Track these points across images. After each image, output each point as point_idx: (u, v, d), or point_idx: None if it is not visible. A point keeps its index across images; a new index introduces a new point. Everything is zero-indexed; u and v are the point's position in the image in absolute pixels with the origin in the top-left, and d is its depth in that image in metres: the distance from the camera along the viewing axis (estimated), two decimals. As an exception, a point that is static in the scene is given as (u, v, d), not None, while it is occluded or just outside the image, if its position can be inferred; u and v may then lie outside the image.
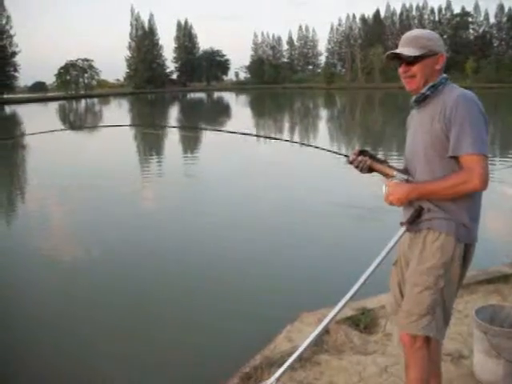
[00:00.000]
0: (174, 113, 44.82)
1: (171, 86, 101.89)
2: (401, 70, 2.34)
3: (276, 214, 8.75)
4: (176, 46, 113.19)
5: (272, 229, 7.79)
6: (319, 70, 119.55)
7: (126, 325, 4.75)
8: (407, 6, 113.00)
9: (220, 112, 44.36)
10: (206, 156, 17.00)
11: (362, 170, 2.52)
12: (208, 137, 21.92)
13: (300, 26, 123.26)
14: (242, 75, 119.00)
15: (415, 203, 2.32)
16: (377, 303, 4.19)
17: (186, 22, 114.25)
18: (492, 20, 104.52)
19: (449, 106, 2.19)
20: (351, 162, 2.53)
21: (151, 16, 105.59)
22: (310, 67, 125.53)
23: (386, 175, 2.45)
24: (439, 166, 2.24)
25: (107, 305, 5.17)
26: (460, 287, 2.44)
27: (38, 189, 11.69)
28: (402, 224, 2.36)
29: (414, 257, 2.34)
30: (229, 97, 74.31)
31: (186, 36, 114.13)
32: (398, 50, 2.31)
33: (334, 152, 3.01)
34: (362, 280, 2.35)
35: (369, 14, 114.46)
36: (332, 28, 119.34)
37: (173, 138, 23.14)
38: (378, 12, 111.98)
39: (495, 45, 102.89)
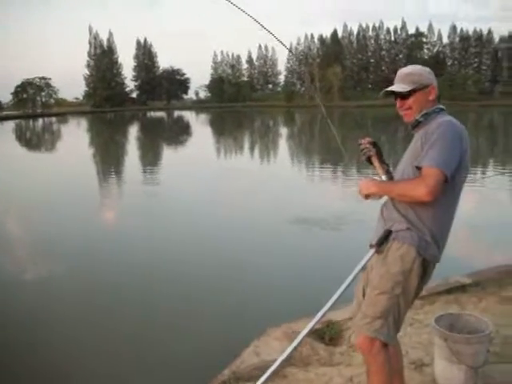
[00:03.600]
0: (133, 132, 44.44)
1: (131, 104, 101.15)
2: (398, 104, 2.54)
3: (237, 231, 8.81)
4: (135, 64, 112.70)
5: (235, 245, 7.82)
6: (279, 89, 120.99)
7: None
8: (364, 26, 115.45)
9: (180, 131, 44.24)
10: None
11: (363, 156, 2.71)
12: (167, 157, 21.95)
13: (260, 45, 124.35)
14: (203, 94, 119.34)
15: (382, 222, 2.49)
16: (341, 316, 4.26)
17: (145, 40, 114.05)
18: (445, 40, 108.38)
19: (431, 128, 2.37)
20: (360, 144, 2.72)
21: (110, 34, 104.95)
22: (270, 86, 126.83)
23: (376, 169, 2.64)
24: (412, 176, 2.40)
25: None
26: (414, 300, 2.55)
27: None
28: (371, 246, 2.48)
29: (378, 263, 2.46)
30: (189, 116, 74.29)
31: (145, 54, 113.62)
32: (391, 88, 2.53)
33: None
34: (334, 297, 2.46)
35: (327, 33, 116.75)
36: (291, 47, 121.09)
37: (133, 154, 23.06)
38: (335, 32, 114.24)
39: (449, 64, 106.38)
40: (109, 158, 22.75)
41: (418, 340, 3.74)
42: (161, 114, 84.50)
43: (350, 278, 2.45)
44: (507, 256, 5.93)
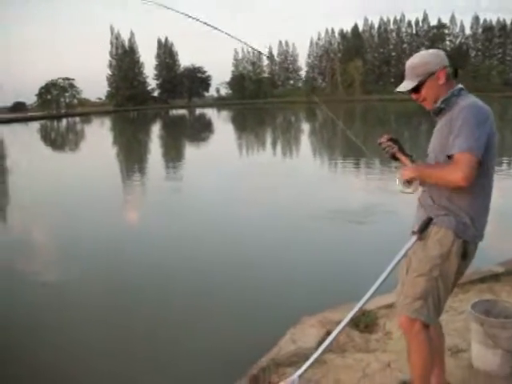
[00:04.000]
0: (156, 130, 44.81)
1: (153, 103, 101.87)
2: (413, 98, 2.62)
3: (269, 221, 8.92)
4: (157, 63, 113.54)
5: (260, 241, 7.94)
6: (300, 85, 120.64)
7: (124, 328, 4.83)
8: (385, 19, 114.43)
9: (202, 128, 44.49)
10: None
11: (387, 154, 2.81)
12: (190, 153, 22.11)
13: (280, 41, 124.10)
14: (224, 91, 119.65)
15: (422, 210, 2.57)
16: (375, 304, 4.34)
17: (166, 40, 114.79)
18: (468, 31, 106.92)
19: (455, 114, 2.42)
20: (380, 144, 2.82)
21: (132, 34, 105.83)
22: (291, 82, 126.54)
23: (403, 163, 2.73)
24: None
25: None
26: (457, 282, 2.63)
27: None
28: (413, 233, 2.55)
29: (418, 248, 2.54)
30: (211, 113, 74.53)
31: (166, 53, 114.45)
32: (398, 89, 2.63)
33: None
34: (376, 285, 2.58)
35: (347, 28, 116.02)
36: (312, 43, 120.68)
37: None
38: (356, 26, 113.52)
39: (472, 55, 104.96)
40: (132, 157, 22.98)
41: (453, 327, 3.80)
42: (183, 111, 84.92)
43: (392, 265, 2.54)
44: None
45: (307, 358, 3.51)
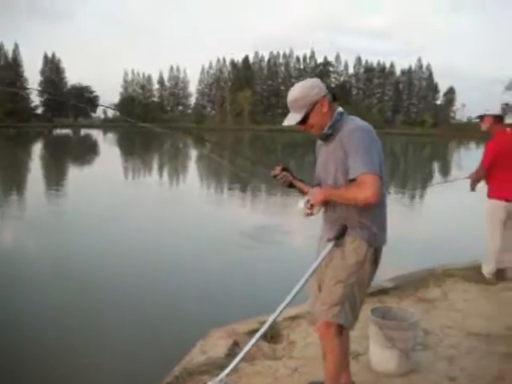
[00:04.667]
0: (37, 150, 42.14)
1: (36, 121, 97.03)
2: (301, 128, 2.80)
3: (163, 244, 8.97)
4: (42, 79, 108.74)
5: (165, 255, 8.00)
6: (189, 111, 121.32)
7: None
8: (274, 53, 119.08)
9: (87, 150, 42.77)
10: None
11: (283, 184, 3.01)
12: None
13: (171, 67, 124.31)
14: (111, 112, 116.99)
15: (334, 223, 2.77)
16: (280, 316, 4.57)
17: (53, 55, 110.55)
18: (351, 70, 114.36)
19: (345, 137, 2.65)
20: (275, 176, 3.01)
21: (16, 46, 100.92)
22: (181, 108, 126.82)
23: (303, 192, 2.95)
24: (344, 184, 2.68)
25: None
26: (369, 286, 2.91)
27: None
28: (329, 240, 2.77)
29: (335, 257, 2.77)
30: (96, 134, 72.33)
31: (52, 70, 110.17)
32: (285, 123, 2.79)
33: (263, 165, 3.37)
34: (296, 290, 2.72)
35: (238, 59, 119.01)
36: (203, 70, 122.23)
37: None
38: (247, 57, 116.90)
39: (354, 93, 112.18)
40: (10, 177, 21.10)
41: (352, 334, 4.11)
42: (67, 131, 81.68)
43: (309, 273, 2.74)
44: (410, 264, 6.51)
45: (218, 367, 3.71)
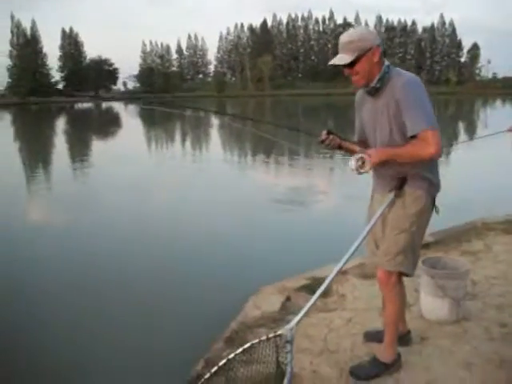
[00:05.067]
0: (61, 125, 42.46)
1: (58, 96, 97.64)
2: (345, 72, 2.71)
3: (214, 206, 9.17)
4: (61, 54, 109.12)
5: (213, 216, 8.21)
6: (209, 79, 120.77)
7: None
8: (293, 16, 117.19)
9: (110, 123, 42.79)
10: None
11: (331, 148, 3.00)
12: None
13: (189, 35, 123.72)
14: (131, 84, 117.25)
15: (391, 177, 2.80)
16: (326, 273, 4.70)
17: (71, 30, 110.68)
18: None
19: (398, 91, 2.61)
20: (323, 141, 2.98)
21: (33, 23, 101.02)
22: (200, 76, 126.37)
23: (351, 151, 2.95)
24: (400, 139, 2.69)
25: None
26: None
27: None
28: (390, 191, 2.81)
29: (395, 208, 2.82)
30: (118, 107, 72.36)
31: (71, 44, 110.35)
32: (334, 61, 2.66)
33: (307, 133, 3.45)
34: (357, 243, 2.69)
35: (256, 23, 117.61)
36: (221, 37, 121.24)
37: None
38: (265, 22, 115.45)
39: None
40: (36, 152, 21.36)
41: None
42: (89, 105, 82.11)
43: (372, 223, 2.76)
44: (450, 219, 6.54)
45: (274, 321, 3.87)
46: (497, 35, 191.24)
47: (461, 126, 28.59)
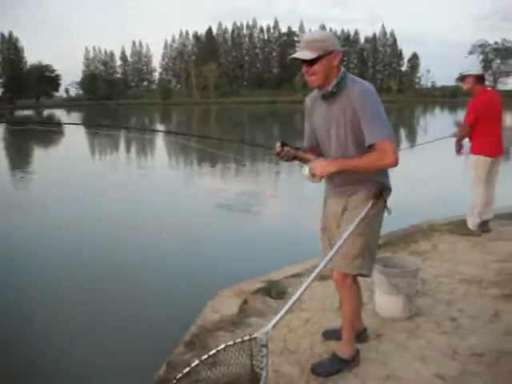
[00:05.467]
0: None
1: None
2: (304, 69, 2.71)
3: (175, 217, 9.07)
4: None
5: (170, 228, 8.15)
6: (154, 86, 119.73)
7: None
8: (238, 24, 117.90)
9: (52, 130, 41.25)
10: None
11: (286, 160, 2.99)
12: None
13: (133, 42, 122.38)
14: (74, 91, 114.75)
15: (346, 182, 2.87)
16: (283, 275, 4.81)
17: (10, 35, 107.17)
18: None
19: (355, 99, 2.67)
20: (278, 154, 2.96)
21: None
22: (145, 83, 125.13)
23: (306, 160, 2.94)
24: (356, 147, 2.77)
25: None
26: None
27: None
28: (368, 198, 2.87)
29: (350, 212, 2.90)
30: (60, 114, 70.52)
31: (10, 49, 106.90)
32: (296, 55, 2.67)
33: (261, 146, 3.50)
34: (337, 246, 2.73)
35: (201, 31, 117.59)
36: (166, 44, 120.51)
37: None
38: (210, 30, 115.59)
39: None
40: None
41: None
42: (29, 112, 79.54)
43: (352, 227, 2.77)
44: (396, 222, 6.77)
45: (233, 324, 3.91)
46: (436, 45, 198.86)
47: (403, 132, 29.46)
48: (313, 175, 2.80)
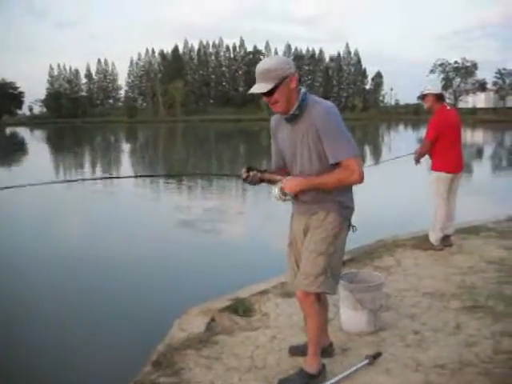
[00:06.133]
0: None
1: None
2: (265, 99, 2.80)
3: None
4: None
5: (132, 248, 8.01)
6: (120, 104, 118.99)
7: None
8: (204, 42, 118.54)
9: (15, 148, 40.30)
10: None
11: (254, 184, 3.02)
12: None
13: (99, 60, 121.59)
14: (38, 109, 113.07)
15: (309, 201, 2.94)
16: (249, 292, 4.82)
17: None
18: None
19: (318, 119, 2.76)
20: (245, 179, 3.00)
21: None
22: (111, 101, 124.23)
23: (274, 181, 2.99)
24: (320, 166, 2.85)
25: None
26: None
27: None
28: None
29: (311, 232, 2.97)
30: (23, 132, 69.20)
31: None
32: (253, 90, 2.75)
33: (227, 175, 3.55)
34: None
35: (168, 49, 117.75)
36: (132, 62, 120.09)
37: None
38: (176, 48, 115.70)
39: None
40: None
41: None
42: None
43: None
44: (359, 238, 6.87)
45: (200, 342, 3.90)
46: (398, 64, 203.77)
47: (368, 149, 29.98)
48: (284, 194, 2.90)
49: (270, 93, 2.74)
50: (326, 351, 3.40)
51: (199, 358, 3.57)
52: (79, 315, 5.32)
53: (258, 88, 2.72)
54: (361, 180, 2.76)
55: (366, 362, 3.25)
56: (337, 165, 2.77)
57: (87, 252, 7.86)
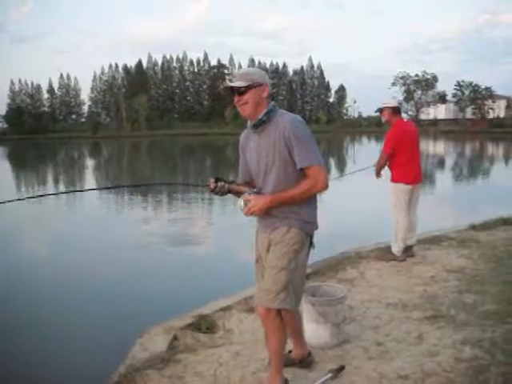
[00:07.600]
0: None
1: None
2: (236, 99, 2.88)
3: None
4: None
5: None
6: (83, 119, 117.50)
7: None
8: (168, 57, 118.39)
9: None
10: None
11: (221, 194, 3.05)
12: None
13: (61, 74, 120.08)
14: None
15: (271, 216, 2.94)
16: (212, 309, 4.76)
17: None
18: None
19: (286, 129, 2.82)
20: (213, 190, 3.02)
21: None
22: (74, 116, 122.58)
23: (240, 192, 3.00)
24: (287, 176, 2.88)
25: None
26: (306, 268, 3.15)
27: None
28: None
29: (273, 247, 2.96)
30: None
31: None
32: (228, 83, 2.92)
33: (195, 185, 3.52)
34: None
35: (131, 64, 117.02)
36: (95, 77, 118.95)
37: None
38: (140, 62, 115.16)
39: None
40: None
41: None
42: None
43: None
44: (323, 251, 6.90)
45: (162, 361, 3.82)
46: (361, 77, 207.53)
47: (332, 162, 30.29)
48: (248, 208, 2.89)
49: (242, 92, 2.85)
50: (305, 361, 3.45)
51: (161, 379, 3.50)
52: (33, 339, 5.16)
53: (234, 83, 2.87)
54: (326, 187, 2.86)
55: (330, 375, 3.23)
56: (302, 172, 2.84)
57: (45, 270, 7.67)
